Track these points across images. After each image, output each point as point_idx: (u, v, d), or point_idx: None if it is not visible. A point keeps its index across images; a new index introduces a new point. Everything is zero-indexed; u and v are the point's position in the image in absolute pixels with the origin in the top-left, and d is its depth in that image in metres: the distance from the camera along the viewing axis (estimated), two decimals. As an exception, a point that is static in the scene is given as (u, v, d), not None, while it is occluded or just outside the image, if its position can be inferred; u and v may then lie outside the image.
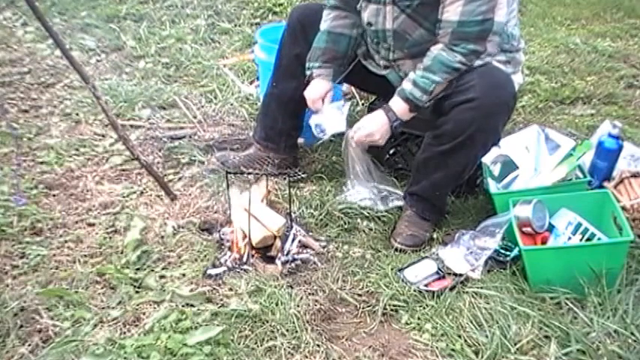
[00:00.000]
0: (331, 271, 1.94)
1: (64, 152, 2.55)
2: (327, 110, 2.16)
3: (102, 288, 1.85)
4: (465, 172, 2.09)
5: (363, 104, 2.92)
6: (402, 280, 1.89)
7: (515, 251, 1.94)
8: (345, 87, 2.89)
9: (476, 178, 2.33)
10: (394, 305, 1.82)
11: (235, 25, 3.99)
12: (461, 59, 1.92)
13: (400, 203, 2.24)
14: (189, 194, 2.31)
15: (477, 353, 1.64)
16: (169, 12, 4.10)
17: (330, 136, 2.21)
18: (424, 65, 1.96)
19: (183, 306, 1.76)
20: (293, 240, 2.05)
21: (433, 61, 1.95)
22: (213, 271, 1.91)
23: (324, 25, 2.20)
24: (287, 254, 2.00)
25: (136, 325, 1.71)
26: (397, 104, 2.01)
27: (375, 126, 2.03)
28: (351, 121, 2.24)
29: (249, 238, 1.97)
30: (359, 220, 2.20)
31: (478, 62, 1.98)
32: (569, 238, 1.91)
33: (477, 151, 2.02)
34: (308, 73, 2.20)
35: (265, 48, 2.68)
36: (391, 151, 2.47)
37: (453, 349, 1.66)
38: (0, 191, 2.21)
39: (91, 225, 2.14)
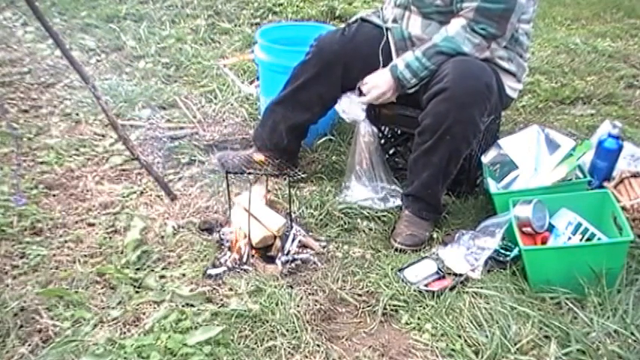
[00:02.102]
0: (331, 271, 1.94)
1: (64, 152, 2.55)
2: (354, 101, 2.23)
3: (102, 288, 1.84)
4: (450, 167, 2.07)
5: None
6: (402, 280, 1.89)
7: (515, 251, 1.93)
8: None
9: (476, 178, 2.33)
10: (394, 305, 1.82)
11: (235, 25, 3.99)
12: (480, 42, 1.97)
13: (399, 202, 2.24)
14: (189, 194, 2.31)
15: (476, 353, 1.64)
16: (169, 12, 4.11)
17: (350, 121, 2.28)
18: (425, 47, 2.01)
19: (183, 306, 1.75)
20: (293, 240, 2.05)
21: (443, 41, 1.99)
22: (213, 271, 1.91)
23: None
24: (287, 254, 2.00)
25: (136, 325, 1.71)
26: (386, 77, 2.09)
27: (384, 84, 2.10)
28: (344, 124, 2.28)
29: (249, 238, 1.97)
30: (359, 220, 2.20)
31: (485, 54, 2.01)
32: (569, 238, 1.90)
33: (458, 143, 2.02)
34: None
35: (265, 48, 2.68)
36: (391, 151, 2.47)
37: (453, 349, 1.66)
38: (0, 191, 2.21)
39: (91, 225, 2.14)
